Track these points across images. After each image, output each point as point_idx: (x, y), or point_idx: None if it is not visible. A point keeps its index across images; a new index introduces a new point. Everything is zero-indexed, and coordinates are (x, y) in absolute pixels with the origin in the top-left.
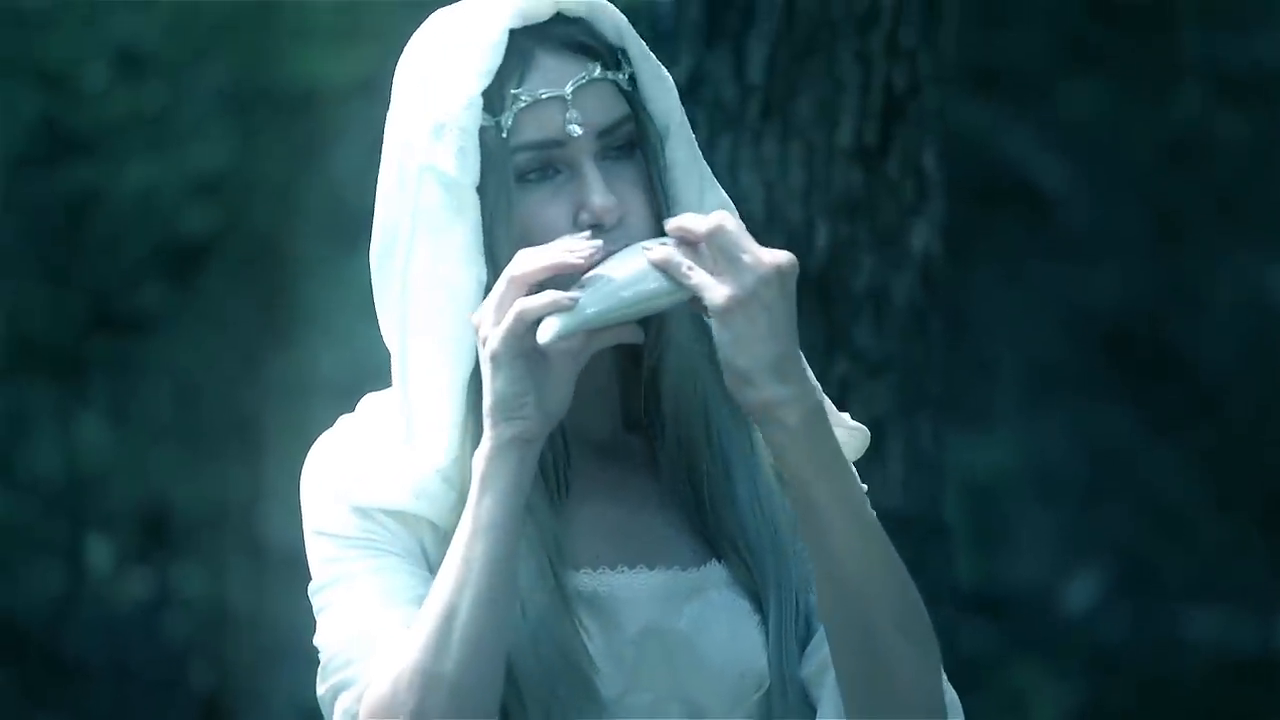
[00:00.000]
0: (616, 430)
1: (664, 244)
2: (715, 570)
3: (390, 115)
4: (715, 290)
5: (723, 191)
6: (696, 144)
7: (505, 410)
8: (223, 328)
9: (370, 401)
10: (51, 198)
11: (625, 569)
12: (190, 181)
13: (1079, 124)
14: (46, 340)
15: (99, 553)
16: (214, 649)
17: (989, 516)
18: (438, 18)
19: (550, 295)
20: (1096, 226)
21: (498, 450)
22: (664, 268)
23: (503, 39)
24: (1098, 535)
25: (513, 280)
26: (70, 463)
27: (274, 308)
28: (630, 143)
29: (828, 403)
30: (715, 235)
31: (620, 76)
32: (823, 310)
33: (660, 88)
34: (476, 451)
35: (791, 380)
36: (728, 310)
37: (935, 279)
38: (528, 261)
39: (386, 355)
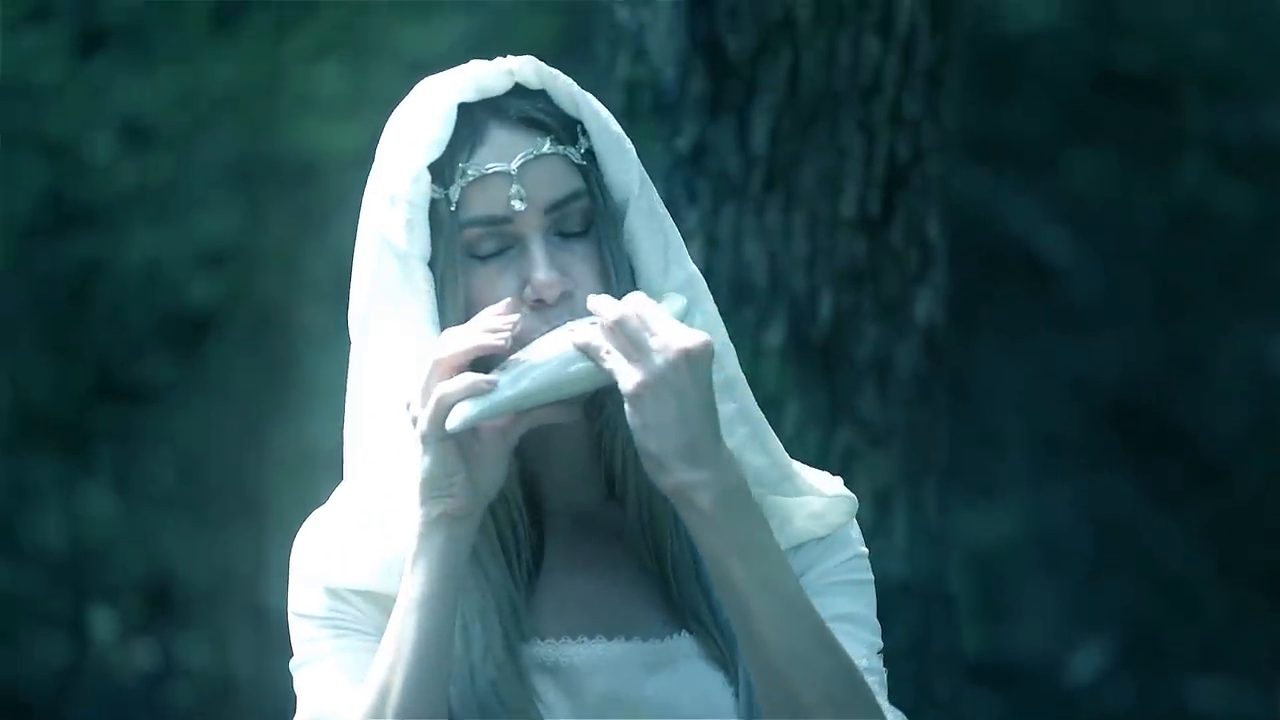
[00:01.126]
0: (598, 502)
1: (592, 324)
2: (685, 642)
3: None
4: (626, 375)
5: (690, 264)
6: (663, 215)
7: (433, 489)
8: (227, 398)
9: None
10: (57, 269)
11: (585, 639)
12: (195, 252)
13: (1082, 195)
14: (51, 411)
15: (103, 623)
16: (217, 719)
17: (994, 586)
18: (416, 89)
19: (468, 379)
20: (1100, 297)
21: (427, 528)
22: (585, 350)
23: (451, 112)
24: (1103, 606)
25: (436, 363)
26: (74, 533)
27: (278, 378)
28: (586, 219)
29: (808, 472)
30: (622, 322)
31: (573, 151)
32: (827, 379)
33: (619, 160)
34: (409, 529)
35: (704, 464)
36: (637, 396)
37: (939, 348)
38: (451, 344)
39: None
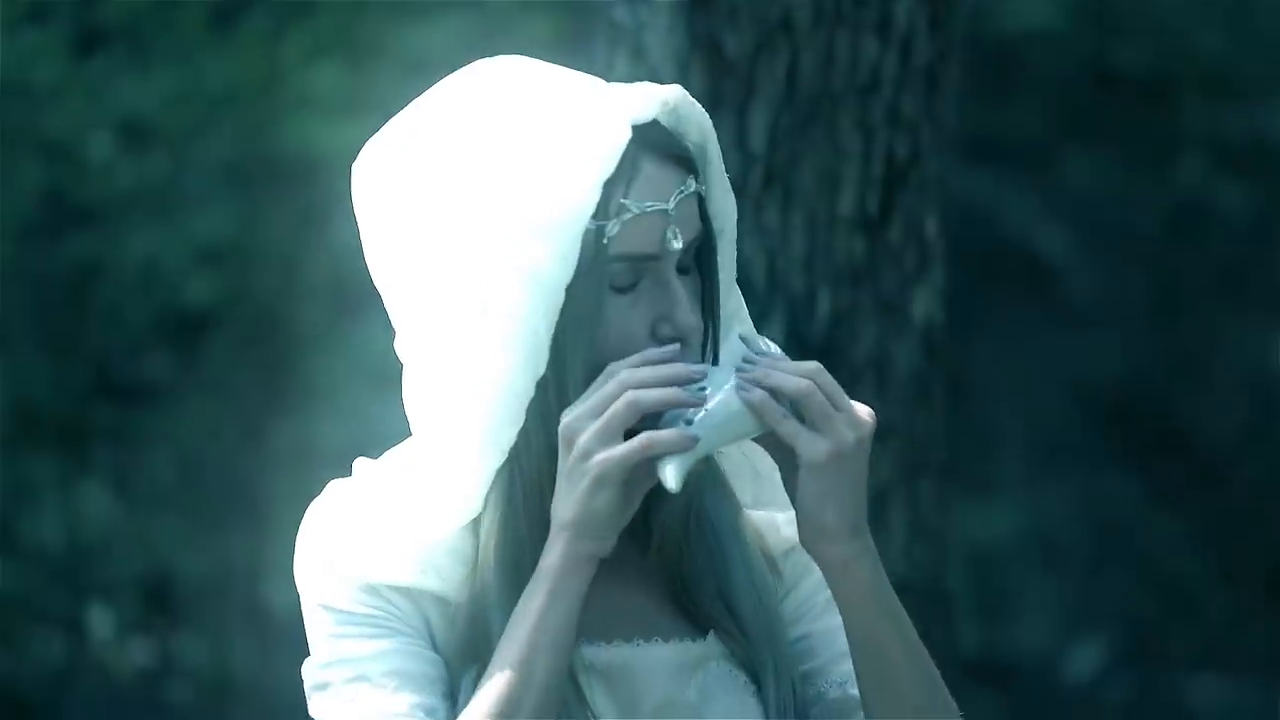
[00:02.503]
0: None
1: (751, 376)
2: (712, 643)
3: (451, 180)
4: (811, 445)
5: (738, 288)
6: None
7: (593, 528)
8: (225, 397)
9: (365, 467)
10: (55, 268)
11: (641, 641)
12: (193, 252)
13: (1080, 194)
14: (49, 410)
15: (101, 622)
16: (216, 718)
17: (992, 584)
18: (527, 88)
19: (676, 435)
20: (1098, 296)
21: (573, 565)
22: (759, 412)
23: (619, 153)
24: (1101, 604)
25: (631, 404)
26: (72, 532)
27: (276, 377)
28: (693, 255)
29: None
30: (809, 397)
31: (703, 187)
32: None
33: (722, 189)
34: (543, 561)
35: (863, 534)
36: (820, 467)
37: (937, 347)
38: (646, 392)
39: (389, 425)
